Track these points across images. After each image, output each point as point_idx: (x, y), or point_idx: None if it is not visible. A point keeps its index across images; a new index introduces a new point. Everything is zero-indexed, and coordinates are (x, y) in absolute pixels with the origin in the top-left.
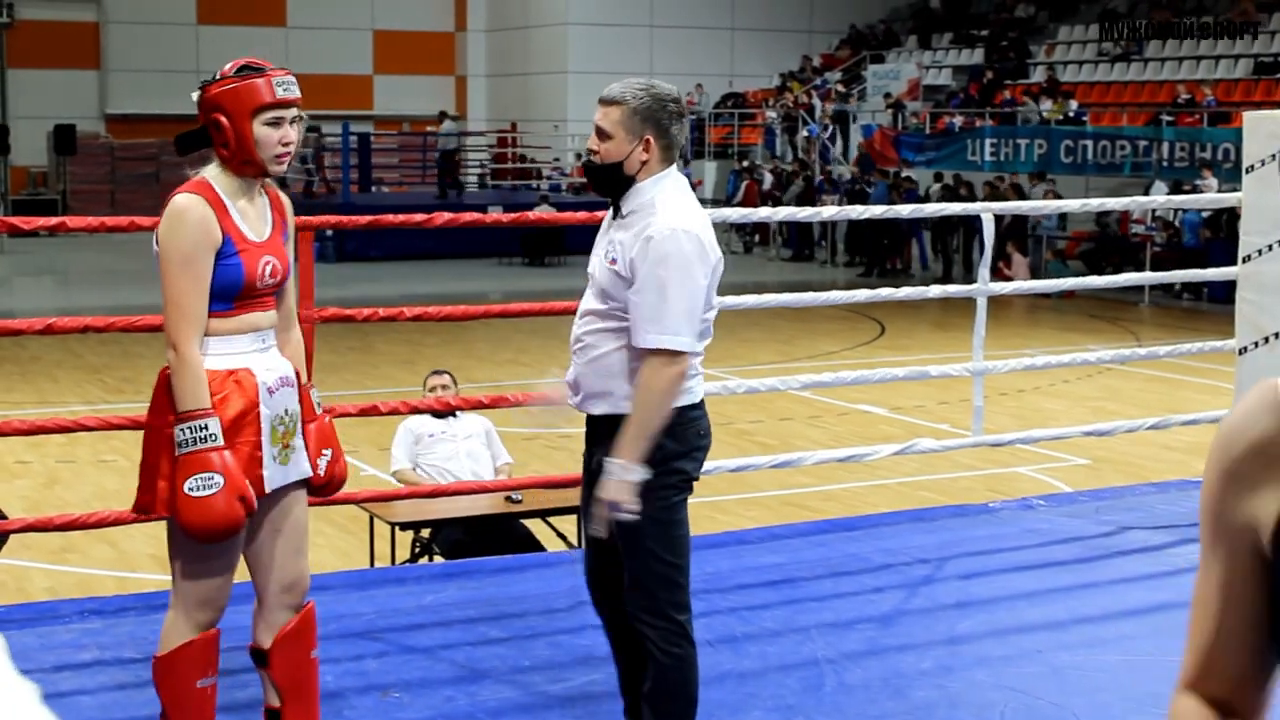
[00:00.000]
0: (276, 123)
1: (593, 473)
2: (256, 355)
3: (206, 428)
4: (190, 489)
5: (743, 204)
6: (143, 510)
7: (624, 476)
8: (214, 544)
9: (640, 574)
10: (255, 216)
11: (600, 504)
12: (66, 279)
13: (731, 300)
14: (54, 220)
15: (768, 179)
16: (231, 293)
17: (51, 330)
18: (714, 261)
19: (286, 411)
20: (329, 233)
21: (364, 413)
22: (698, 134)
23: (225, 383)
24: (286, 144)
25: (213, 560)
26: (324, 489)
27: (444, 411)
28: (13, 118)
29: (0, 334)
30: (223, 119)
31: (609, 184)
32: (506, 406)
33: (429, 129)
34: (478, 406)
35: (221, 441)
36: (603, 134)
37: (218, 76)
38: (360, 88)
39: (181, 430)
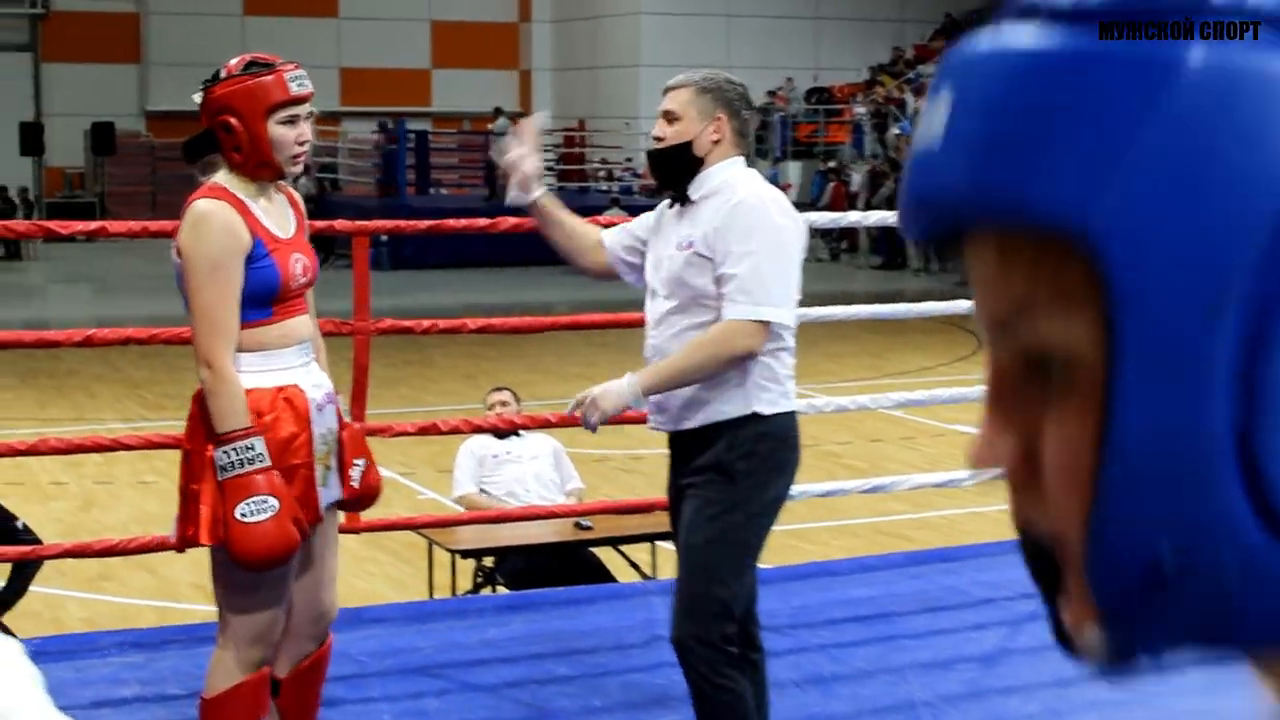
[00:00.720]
0: (292, 121)
1: (676, 495)
2: (302, 370)
3: (252, 448)
4: (242, 514)
5: (829, 207)
6: (188, 544)
7: (623, 391)
8: (266, 573)
9: (700, 596)
10: (278, 215)
11: (584, 402)
12: (105, 287)
13: (817, 312)
14: (93, 225)
15: (856, 180)
16: (269, 297)
17: (89, 342)
18: (803, 242)
19: (329, 430)
20: (384, 238)
21: (423, 431)
22: (789, 132)
23: (275, 401)
24: (303, 143)
25: (264, 591)
26: (357, 503)
27: (507, 431)
28: (47, 115)
29: (36, 346)
30: (233, 120)
31: (676, 167)
32: (575, 425)
33: (491, 127)
34: (544, 425)
35: (269, 462)
36: (671, 116)
37: (222, 75)
38: (417, 83)
39: (225, 452)
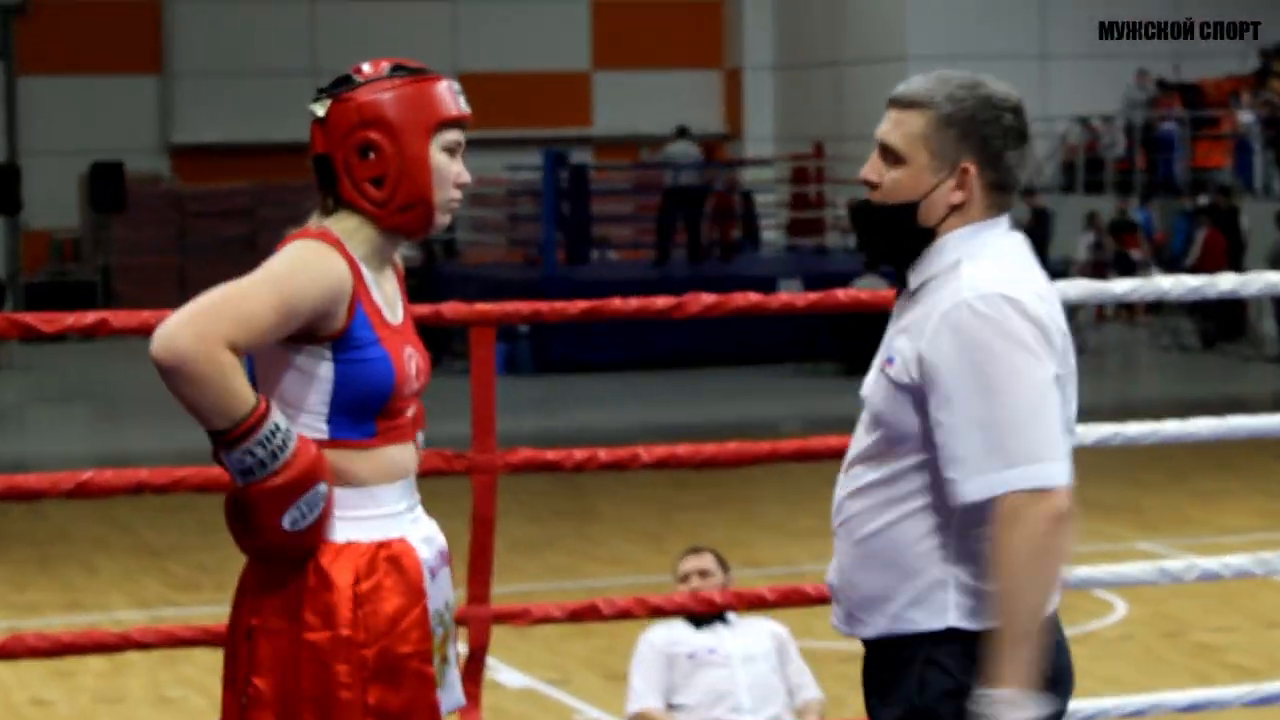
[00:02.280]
0: (453, 150)
1: None
2: (409, 518)
3: (278, 427)
4: (293, 523)
5: (1200, 267)
6: None
7: (1012, 715)
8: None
9: None
10: (391, 295)
11: None
12: (109, 408)
13: (1175, 428)
14: (90, 316)
15: (1244, 224)
16: (375, 405)
17: (86, 490)
18: (1060, 350)
19: (446, 605)
20: (521, 328)
21: (576, 616)
22: (1179, 154)
23: (376, 562)
24: (462, 185)
25: None
26: None
27: (708, 616)
28: (26, 153)
29: (8, 498)
30: (380, 139)
31: (891, 242)
32: (805, 604)
33: (665, 153)
34: (759, 605)
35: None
36: (890, 155)
37: (358, 80)
38: (572, 93)
39: (249, 451)
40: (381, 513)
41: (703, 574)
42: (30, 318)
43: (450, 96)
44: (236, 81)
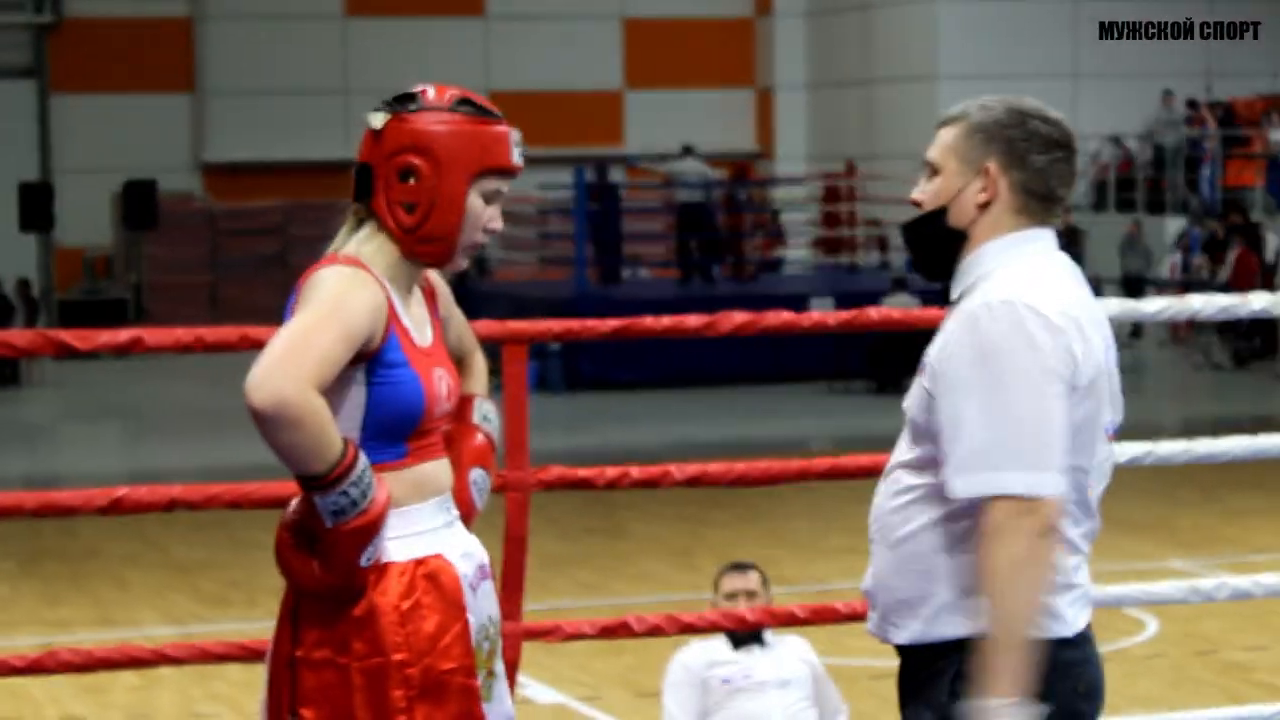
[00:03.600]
0: (493, 197)
1: None
2: (446, 533)
3: (367, 468)
4: (369, 559)
5: (1231, 286)
6: None
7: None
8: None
9: None
10: (419, 317)
11: None
12: (142, 426)
13: (1205, 447)
14: (125, 334)
15: (1273, 245)
16: (406, 426)
17: (120, 507)
18: (1088, 367)
19: (490, 619)
20: (553, 346)
21: (608, 633)
22: (1213, 173)
23: (415, 580)
24: (492, 231)
25: None
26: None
27: (744, 635)
28: (59, 171)
29: (41, 514)
30: (423, 167)
31: (929, 250)
32: (836, 622)
33: (671, 169)
34: (790, 623)
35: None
36: (930, 169)
37: (421, 104)
38: (603, 112)
39: (343, 493)
40: (416, 529)
41: (750, 594)
42: (65, 334)
43: (505, 146)
44: (268, 100)
